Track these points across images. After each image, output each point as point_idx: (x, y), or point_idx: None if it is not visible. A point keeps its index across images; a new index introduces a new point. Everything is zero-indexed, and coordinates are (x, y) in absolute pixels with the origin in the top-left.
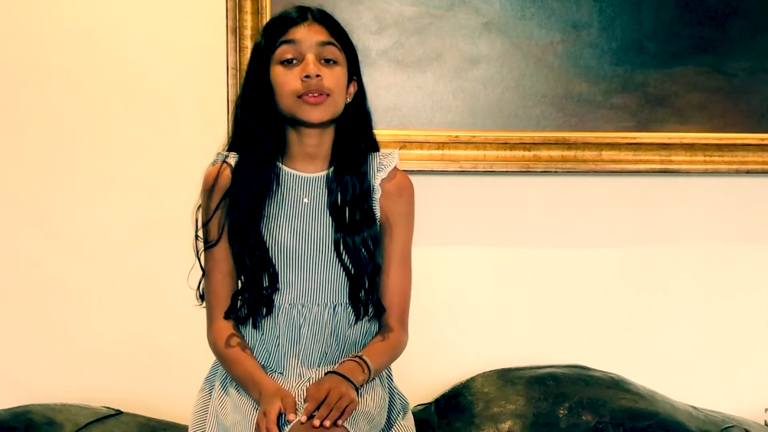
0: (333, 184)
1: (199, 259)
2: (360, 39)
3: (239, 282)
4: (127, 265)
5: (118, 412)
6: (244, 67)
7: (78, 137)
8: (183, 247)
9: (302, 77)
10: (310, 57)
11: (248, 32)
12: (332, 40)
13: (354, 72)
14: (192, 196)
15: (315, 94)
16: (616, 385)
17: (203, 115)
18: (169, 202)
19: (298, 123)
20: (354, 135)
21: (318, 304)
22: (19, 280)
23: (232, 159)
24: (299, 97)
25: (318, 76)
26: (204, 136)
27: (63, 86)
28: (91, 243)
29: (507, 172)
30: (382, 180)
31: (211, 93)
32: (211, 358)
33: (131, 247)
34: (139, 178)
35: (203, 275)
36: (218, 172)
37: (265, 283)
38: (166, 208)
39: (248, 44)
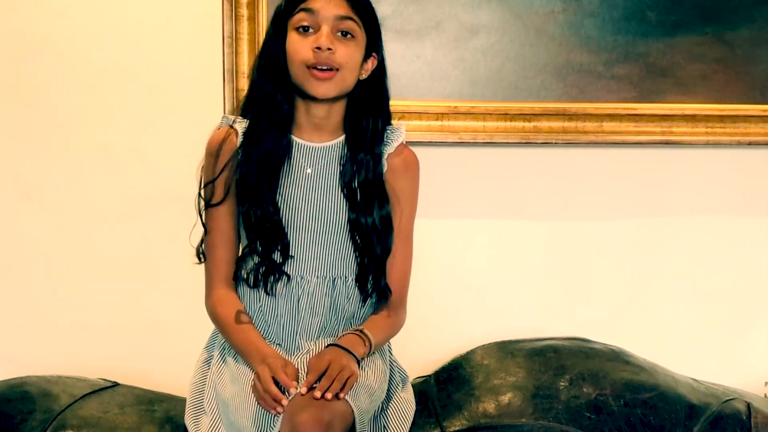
0: (346, 162)
1: (201, 218)
2: None
3: (243, 245)
4: (123, 237)
5: (115, 384)
6: (240, 35)
7: (73, 108)
8: (179, 218)
9: (314, 48)
10: (325, 29)
11: (244, 0)
12: (351, 14)
13: (374, 48)
14: (188, 166)
15: (324, 68)
16: (617, 357)
17: (199, 85)
18: (165, 172)
19: (304, 94)
20: (369, 112)
21: (317, 277)
22: (15, 253)
23: (239, 125)
24: (308, 68)
25: (329, 49)
26: (200, 106)
27: (57, 57)
28: (87, 215)
29: (507, 143)
30: (389, 155)
31: (207, 62)
32: (209, 328)
33: (126, 219)
34: (134, 149)
35: (205, 233)
36: (224, 136)
37: (279, 249)
38: (162, 178)
39: (244, 12)
